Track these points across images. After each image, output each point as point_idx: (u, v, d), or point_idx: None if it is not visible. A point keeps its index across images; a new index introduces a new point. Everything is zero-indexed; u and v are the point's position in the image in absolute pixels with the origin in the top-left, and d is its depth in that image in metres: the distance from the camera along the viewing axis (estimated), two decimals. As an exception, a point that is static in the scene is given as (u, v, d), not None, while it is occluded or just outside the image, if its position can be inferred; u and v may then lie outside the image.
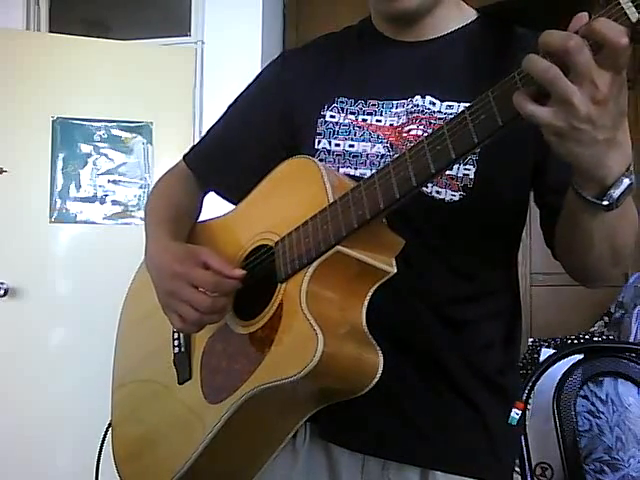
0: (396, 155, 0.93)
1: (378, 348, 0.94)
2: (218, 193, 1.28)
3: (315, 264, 0.94)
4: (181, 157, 1.33)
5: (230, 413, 0.96)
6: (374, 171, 0.92)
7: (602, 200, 0.79)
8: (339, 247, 0.92)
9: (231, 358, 1.03)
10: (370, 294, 0.95)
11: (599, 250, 0.92)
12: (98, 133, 3.28)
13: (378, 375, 0.93)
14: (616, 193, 0.79)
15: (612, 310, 2.86)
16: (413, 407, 1.05)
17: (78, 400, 3.06)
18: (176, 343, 1.15)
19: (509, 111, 0.76)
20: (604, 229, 0.87)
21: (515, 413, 1.09)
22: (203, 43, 3.41)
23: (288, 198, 1.05)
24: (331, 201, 0.94)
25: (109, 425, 1.28)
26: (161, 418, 1.15)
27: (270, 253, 1.03)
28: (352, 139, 1.08)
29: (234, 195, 1.22)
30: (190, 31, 3.52)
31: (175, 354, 1.15)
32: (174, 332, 1.16)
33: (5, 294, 3.13)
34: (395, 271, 0.94)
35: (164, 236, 1.16)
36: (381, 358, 0.93)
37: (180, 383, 1.12)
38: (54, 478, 3.14)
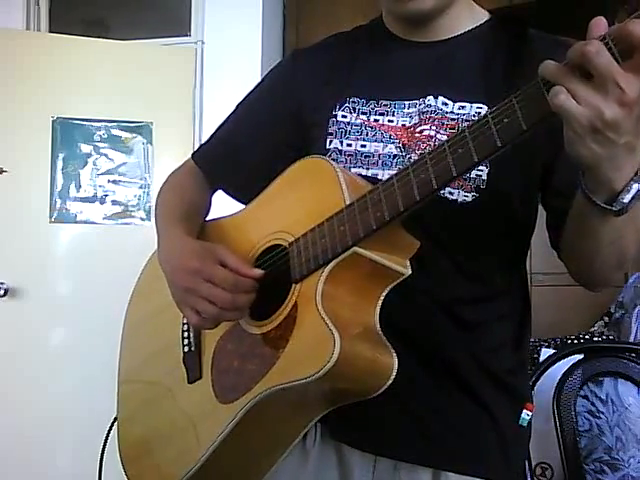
0: (414, 156, 0.94)
1: (392, 349, 0.94)
2: (226, 192, 1.28)
3: (331, 265, 0.94)
4: (182, 156, 1.33)
5: (242, 413, 0.97)
6: (391, 172, 0.92)
7: (612, 205, 0.80)
8: (356, 248, 0.92)
9: (243, 358, 1.03)
10: (384, 295, 0.95)
11: (605, 254, 0.92)
12: (98, 133, 3.28)
13: (393, 376, 0.93)
14: (626, 198, 0.79)
15: (612, 310, 2.86)
16: (424, 407, 1.05)
17: (78, 400, 3.06)
18: (186, 342, 1.15)
19: (534, 115, 0.76)
20: (612, 233, 0.88)
21: (526, 414, 1.09)
22: (203, 43, 3.41)
23: (302, 198, 1.05)
24: (348, 202, 0.94)
25: (114, 420, 1.28)
26: (170, 417, 1.14)
27: (284, 253, 1.03)
28: (364, 139, 1.08)
29: (242, 194, 1.22)
30: (190, 31, 3.51)
31: (185, 353, 1.15)
32: (184, 331, 1.16)
33: (5, 294, 3.12)
34: (410, 272, 0.94)
35: (177, 232, 1.16)
36: (395, 359, 0.93)
37: (190, 382, 1.12)
38: (54, 478, 3.14)
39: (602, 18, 0.73)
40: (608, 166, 0.76)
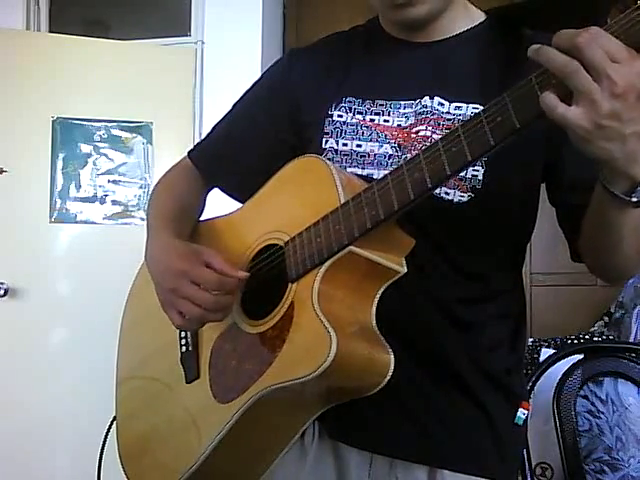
0: (409, 156, 0.94)
1: (389, 347, 0.94)
2: (222, 190, 1.28)
3: (327, 264, 0.94)
4: (184, 155, 1.32)
5: (240, 413, 0.97)
6: (386, 172, 0.92)
7: (631, 196, 0.79)
8: (351, 247, 0.92)
9: (241, 357, 1.03)
10: (380, 293, 0.96)
11: (626, 247, 0.92)
12: (98, 133, 3.27)
13: (389, 374, 0.93)
14: None
15: (612, 310, 2.85)
16: (421, 406, 1.05)
17: (78, 400, 3.06)
18: (183, 342, 1.15)
19: (526, 113, 0.76)
20: (632, 225, 0.87)
21: (522, 413, 1.09)
22: (203, 43, 3.40)
23: (297, 197, 1.05)
24: (343, 201, 0.94)
25: (113, 419, 1.28)
26: (168, 417, 1.14)
27: (280, 253, 1.03)
28: (360, 139, 1.08)
29: (238, 193, 1.23)
30: (190, 31, 3.51)
31: (182, 353, 1.15)
32: (181, 330, 1.17)
33: (5, 294, 3.12)
34: (405, 270, 0.95)
35: (166, 233, 1.16)
36: (392, 357, 0.93)
37: (188, 382, 1.12)
38: (54, 478, 3.14)
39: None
40: (623, 159, 0.75)
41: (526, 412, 1.10)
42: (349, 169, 1.07)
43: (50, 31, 3.60)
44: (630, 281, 2.79)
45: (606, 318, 2.89)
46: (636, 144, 0.74)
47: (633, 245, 0.91)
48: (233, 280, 1.02)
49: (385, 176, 0.91)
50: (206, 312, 1.01)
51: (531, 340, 2.59)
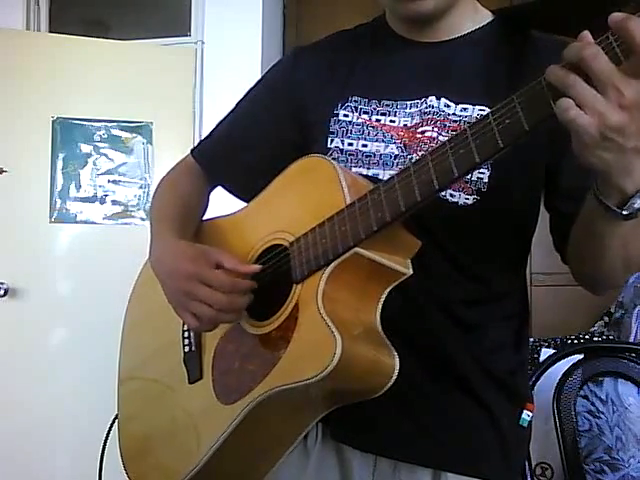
0: (415, 157, 0.94)
1: (393, 349, 0.94)
2: (226, 189, 1.28)
3: (332, 265, 0.93)
4: (182, 156, 1.32)
5: (243, 415, 0.96)
6: (392, 172, 0.92)
7: (622, 209, 0.79)
8: (357, 249, 0.92)
9: (244, 359, 1.03)
10: (385, 295, 0.95)
11: (612, 257, 0.92)
12: (98, 133, 3.27)
13: (394, 376, 0.93)
14: (638, 203, 0.78)
15: (612, 310, 2.85)
16: (424, 408, 1.05)
17: (78, 400, 3.06)
18: (186, 342, 1.15)
19: (536, 116, 0.76)
20: (620, 237, 0.87)
21: (526, 415, 1.09)
22: (203, 43, 3.40)
23: (302, 197, 1.04)
24: (348, 202, 0.94)
25: (115, 418, 1.28)
26: (170, 417, 1.14)
27: (285, 253, 1.03)
28: (365, 139, 1.08)
29: (242, 191, 1.22)
30: (190, 31, 3.50)
31: (185, 353, 1.15)
32: (184, 330, 1.16)
33: (5, 294, 3.11)
34: (411, 272, 0.94)
35: (171, 235, 1.15)
36: (397, 359, 0.93)
37: (190, 382, 1.12)
38: (54, 478, 3.14)
39: (587, 33, 0.73)
40: (618, 171, 0.75)
41: (531, 414, 1.09)
42: (354, 169, 1.07)
43: (50, 31, 3.60)
44: (630, 281, 2.79)
45: (606, 318, 2.89)
46: (632, 157, 0.75)
47: (619, 255, 0.92)
48: (246, 281, 1.01)
49: (392, 177, 0.91)
50: (219, 313, 1.01)
51: (531, 340, 2.59)
